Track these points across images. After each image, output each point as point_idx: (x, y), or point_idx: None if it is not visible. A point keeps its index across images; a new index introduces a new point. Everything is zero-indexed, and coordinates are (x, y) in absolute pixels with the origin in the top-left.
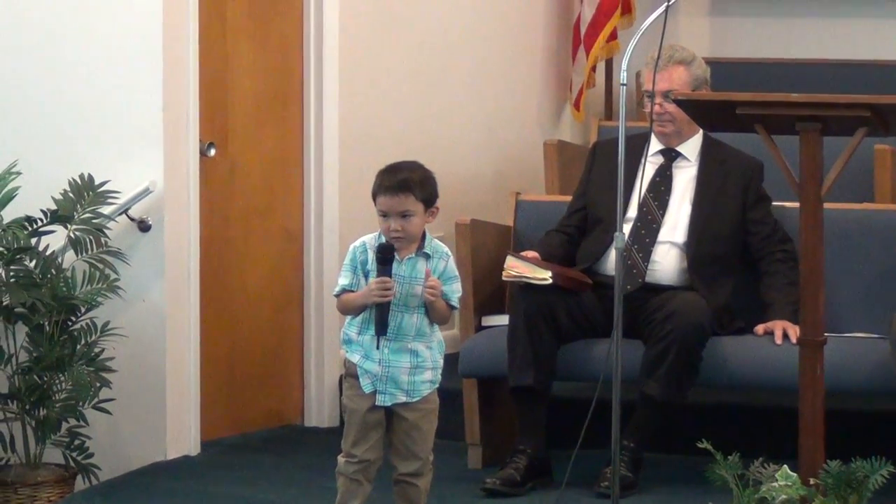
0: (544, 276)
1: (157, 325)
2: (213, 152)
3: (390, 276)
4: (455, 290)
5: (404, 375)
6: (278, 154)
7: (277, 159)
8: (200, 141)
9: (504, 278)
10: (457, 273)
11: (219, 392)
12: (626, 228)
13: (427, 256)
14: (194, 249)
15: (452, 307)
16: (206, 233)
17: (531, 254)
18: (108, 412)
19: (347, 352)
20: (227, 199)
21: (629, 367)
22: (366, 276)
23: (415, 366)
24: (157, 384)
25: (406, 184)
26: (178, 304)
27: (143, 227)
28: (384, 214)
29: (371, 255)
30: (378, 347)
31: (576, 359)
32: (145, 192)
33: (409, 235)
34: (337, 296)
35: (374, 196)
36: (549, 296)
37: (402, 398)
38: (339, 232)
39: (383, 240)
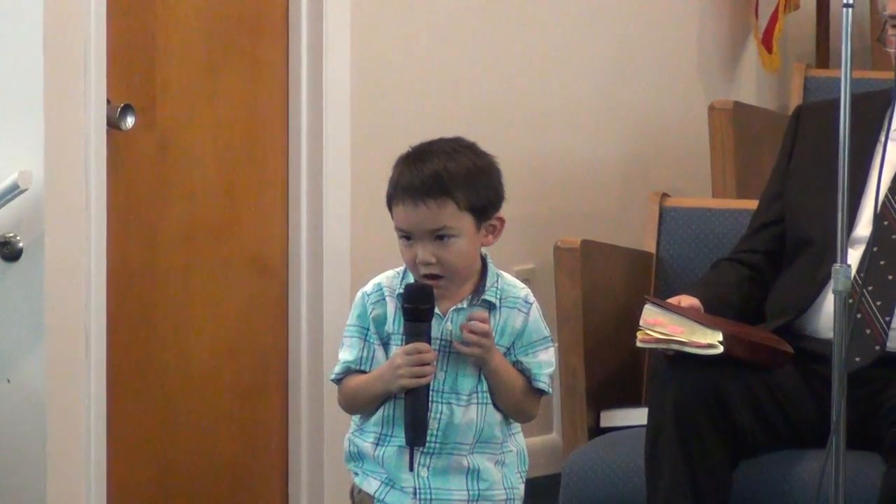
0: (711, 340)
1: (32, 424)
2: (130, 123)
3: (429, 342)
4: (545, 364)
5: None
6: (243, 124)
7: (241, 134)
8: (109, 103)
9: (640, 343)
10: (548, 334)
11: None
12: (854, 257)
13: (490, 306)
14: (98, 292)
15: (541, 391)
16: (117, 263)
17: (688, 300)
18: None
19: (357, 475)
20: (155, 203)
21: (859, 495)
22: (385, 343)
23: (477, 496)
24: None
25: (438, 181)
26: (68, 388)
27: (10, 252)
28: (406, 236)
29: (392, 308)
30: (412, 468)
31: (766, 483)
32: (13, 191)
33: (451, 271)
34: (337, 381)
35: (389, 204)
36: (718, 375)
37: None
38: (351, 261)
39: (411, 279)
